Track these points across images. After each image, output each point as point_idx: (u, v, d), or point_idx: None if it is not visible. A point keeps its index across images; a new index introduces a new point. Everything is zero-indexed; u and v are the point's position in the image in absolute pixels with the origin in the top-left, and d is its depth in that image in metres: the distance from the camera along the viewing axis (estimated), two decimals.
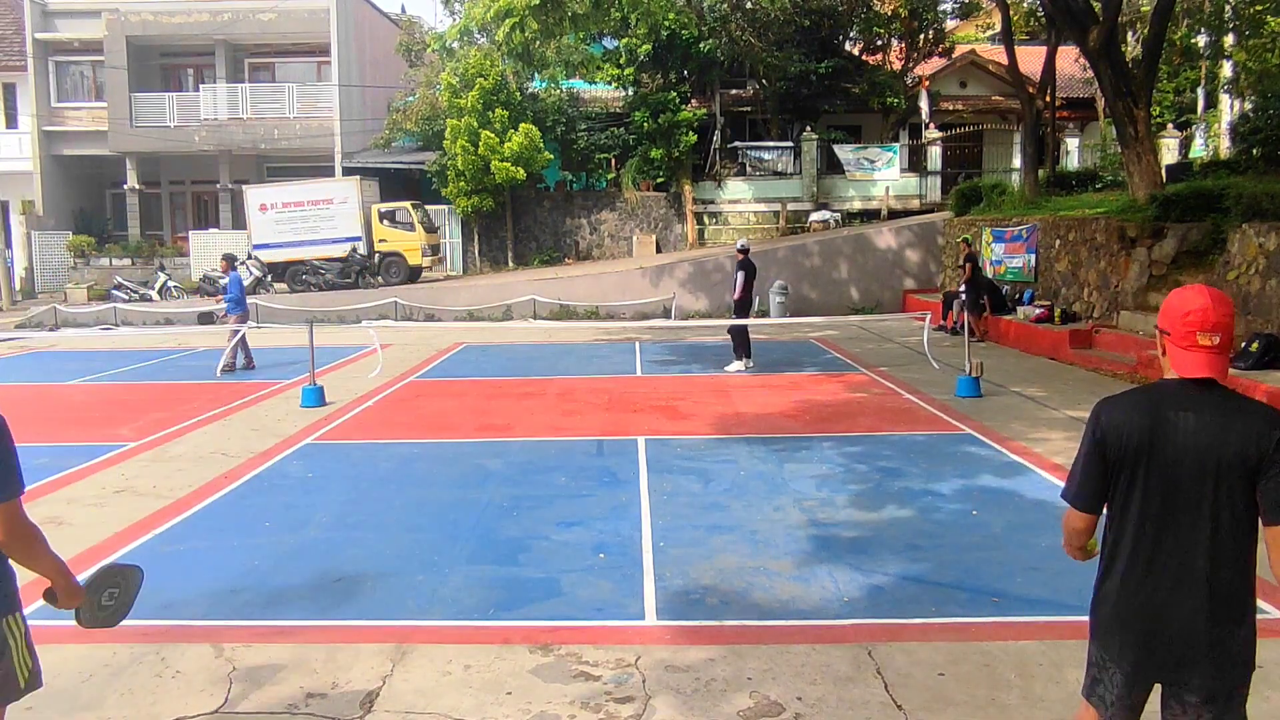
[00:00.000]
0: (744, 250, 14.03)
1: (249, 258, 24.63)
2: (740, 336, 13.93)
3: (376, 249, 24.33)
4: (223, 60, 28.50)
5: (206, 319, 19.62)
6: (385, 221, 24.36)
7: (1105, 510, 2.80)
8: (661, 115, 25.64)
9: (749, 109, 28.73)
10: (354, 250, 24.96)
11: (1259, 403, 2.68)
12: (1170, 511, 2.63)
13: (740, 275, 13.77)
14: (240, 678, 4.42)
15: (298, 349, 13.65)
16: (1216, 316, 2.58)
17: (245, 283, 23.66)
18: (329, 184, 24.71)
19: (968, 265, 16.90)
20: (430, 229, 25.07)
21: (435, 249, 25.32)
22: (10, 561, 2.84)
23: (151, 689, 4.33)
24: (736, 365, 13.81)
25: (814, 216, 26.27)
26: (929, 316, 15.23)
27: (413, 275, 24.60)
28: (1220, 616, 2.63)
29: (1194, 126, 24.83)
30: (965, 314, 14.51)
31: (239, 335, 14.13)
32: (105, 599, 3.23)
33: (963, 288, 16.48)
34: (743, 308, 13.98)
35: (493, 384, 13.20)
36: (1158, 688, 2.82)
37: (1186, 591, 2.63)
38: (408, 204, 24.87)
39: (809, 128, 27.01)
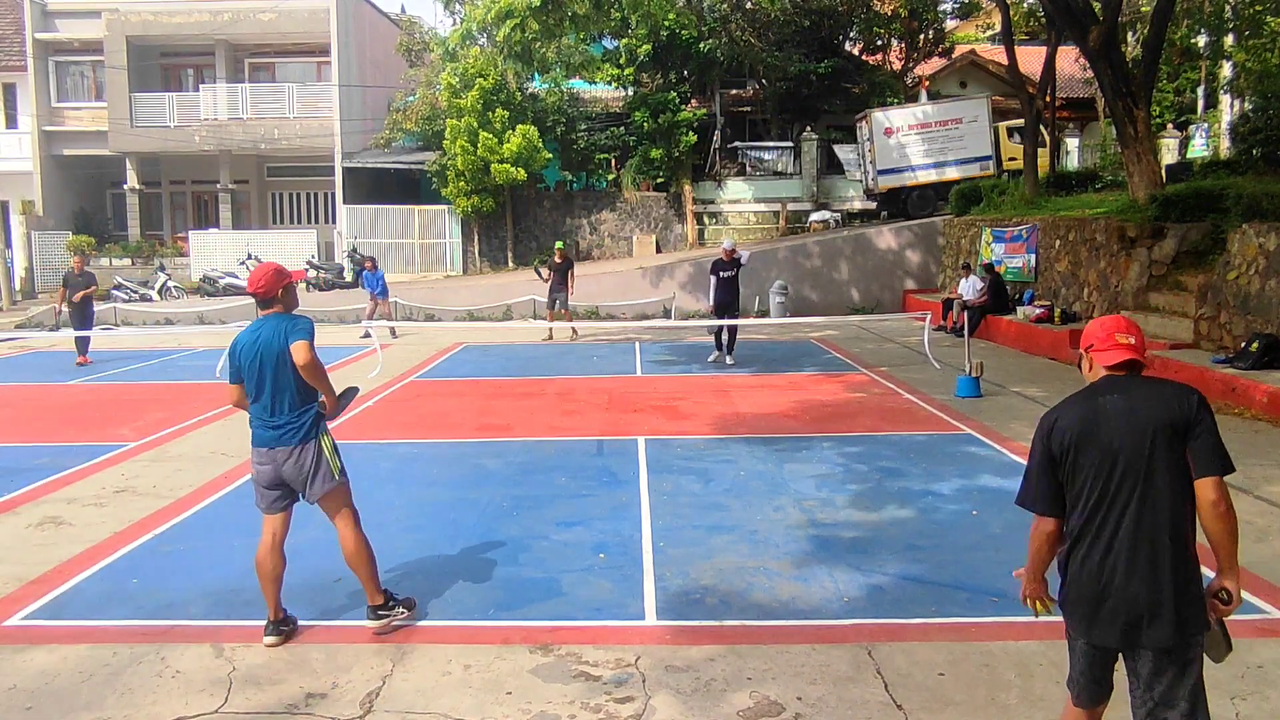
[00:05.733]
0: (730, 251, 14.08)
1: (249, 258, 24.64)
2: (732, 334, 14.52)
3: (1005, 167, 23.19)
4: (223, 60, 28.48)
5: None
6: (1015, 138, 23.43)
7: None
8: (661, 115, 25.63)
9: (749, 109, 28.73)
10: (354, 249, 25.01)
11: (1173, 381, 3.11)
12: (1115, 484, 2.90)
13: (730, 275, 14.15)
14: (240, 678, 4.42)
15: None
16: (1128, 324, 3.09)
17: (245, 283, 23.88)
18: (958, 104, 23.76)
19: (564, 269, 18.14)
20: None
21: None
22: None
23: (151, 689, 4.33)
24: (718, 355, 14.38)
25: (814, 216, 26.26)
26: (929, 317, 15.25)
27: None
28: (1171, 575, 2.87)
29: (1193, 126, 24.83)
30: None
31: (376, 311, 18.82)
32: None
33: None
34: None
35: (493, 384, 13.20)
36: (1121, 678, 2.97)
37: (1139, 556, 2.88)
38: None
39: (809, 128, 27.00)
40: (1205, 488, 2.85)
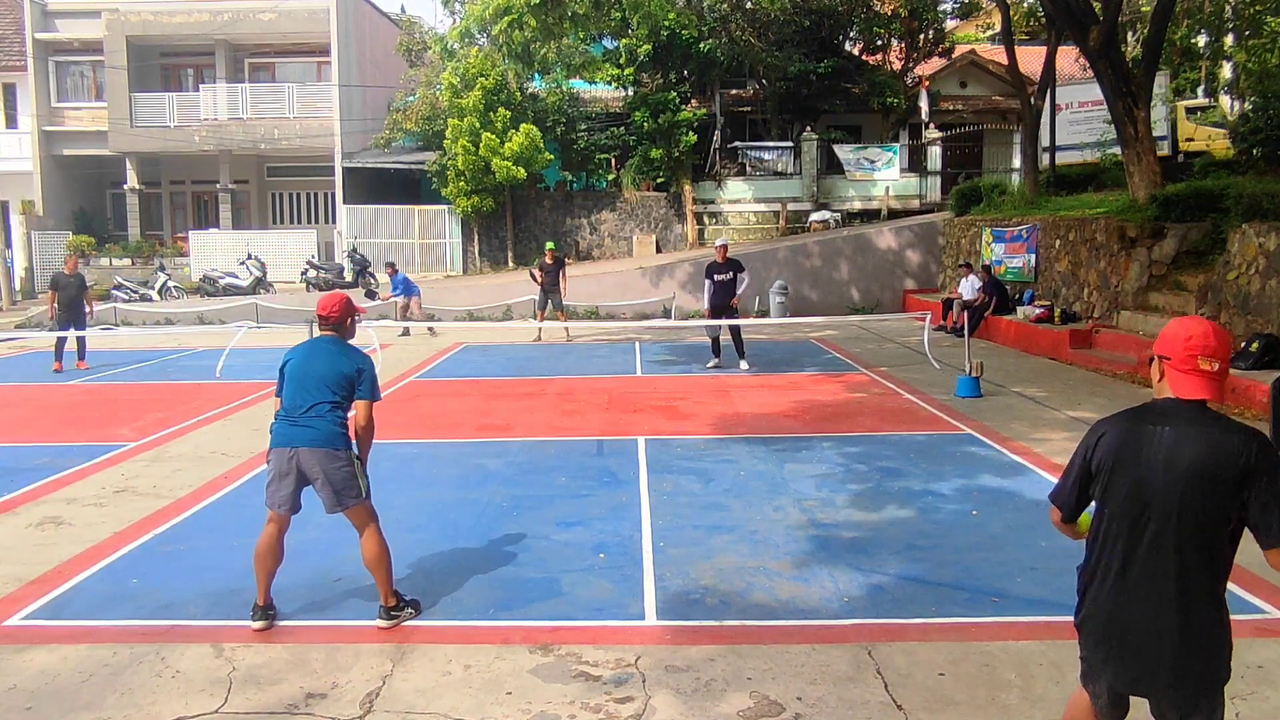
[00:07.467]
0: (723, 249, 13.78)
1: (249, 258, 24.65)
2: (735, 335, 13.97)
3: (1181, 148, 22.04)
4: (223, 60, 28.47)
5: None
6: (1192, 118, 22.73)
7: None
8: (661, 115, 25.62)
9: (749, 109, 28.71)
10: (354, 250, 25.05)
11: (1239, 422, 2.73)
12: (1140, 523, 2.68)
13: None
14: (240, 678, 4.42)
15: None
16: (1218, 343, 2.66)
17: (245, 283, 23.91)
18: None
19: (555, 270, 17.93)
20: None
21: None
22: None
23: (151, 689, 4.33)
24: (743, 365, 13.76)
25: (814, 216, 26.25)
26: (929, 316, 15.26)
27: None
28: (1191, 630, 2.64)
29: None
30: None
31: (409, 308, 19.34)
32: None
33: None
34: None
35: (493, 384, 13.20)
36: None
37: (1159, 604, 2.66)
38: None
39: (809, 128, 26.98)
40: (1274, 557, 2.62)
